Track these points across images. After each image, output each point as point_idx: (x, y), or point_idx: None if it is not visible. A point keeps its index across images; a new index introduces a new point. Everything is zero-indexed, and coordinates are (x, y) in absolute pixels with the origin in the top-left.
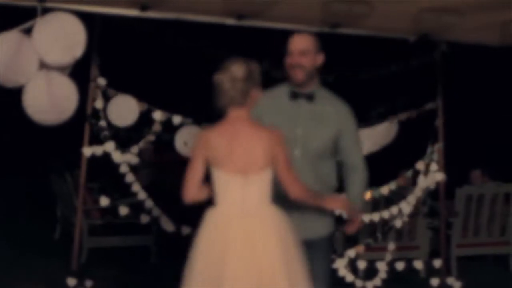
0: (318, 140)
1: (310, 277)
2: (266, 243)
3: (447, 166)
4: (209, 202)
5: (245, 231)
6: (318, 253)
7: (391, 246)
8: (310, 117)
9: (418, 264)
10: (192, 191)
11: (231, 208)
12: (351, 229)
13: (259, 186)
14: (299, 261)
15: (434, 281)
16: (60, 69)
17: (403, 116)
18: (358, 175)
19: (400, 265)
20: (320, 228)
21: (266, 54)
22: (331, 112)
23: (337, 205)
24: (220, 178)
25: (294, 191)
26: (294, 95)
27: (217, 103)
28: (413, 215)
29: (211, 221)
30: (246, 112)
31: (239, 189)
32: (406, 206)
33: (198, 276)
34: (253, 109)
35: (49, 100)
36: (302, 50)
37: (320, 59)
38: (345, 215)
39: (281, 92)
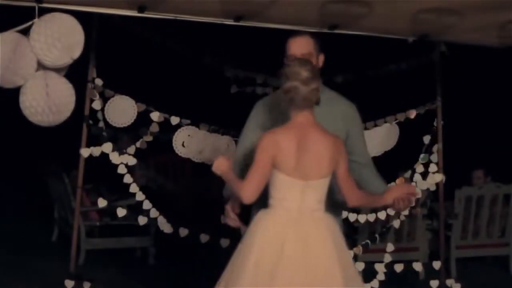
0: None
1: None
2: (321, 248)
3: (446, 167)
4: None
5: (300, 235)
6: None
7: (390, 247)
8: (319, 121)
9: (417, 266)
10: (255, 194)
11: (288, 212)
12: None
13: (317, 192)
14: (353, 267)
15: (434, 283)
16: (57, 70)
17: (401, 116)
18: (373, 169)
19: (399, 267)
20: None
21: (265, 56)
22: (337, 114)
23: (400, 191)
24: (281, 180)
25: (352, 199)
26: None
27: (288, 107)
28: (411, 216)
29: (267, 223)
30: (312, 115)
31: (298, 194)
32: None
33: (248, 277)
34: (256, 117)
35: (47, 101)
36: (304, 54)
37: (321, 60)
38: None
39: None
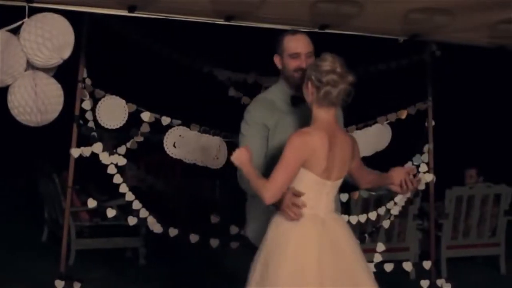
0: None
1: None
2: (350, 251)
3: (437, 167)
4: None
5: (330, 239)
6: None
7: (381, 247)
8: (301, 124)
9: (408, 266)
10: (278, 195)
11: (314, 214)
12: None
13: (335, 192)
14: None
15: (424, 283)
16: (46, 70)
17: (392, 116)
18: None
19: (389, 267)
20: None
21: (256, 56)
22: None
23: (403, 172)
24: (311, 181)
25: (363, 183)
26: (297, 100)
27: (319, 103)
28: (401, 216)
29: (298, 224)
30: (336, 113)
31: (324, 195)
32: (394, 207)
33: (290, 278)
34: (251, 119)
35: (35, 101)
36: (309, 52)
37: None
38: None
39: (277, 98)
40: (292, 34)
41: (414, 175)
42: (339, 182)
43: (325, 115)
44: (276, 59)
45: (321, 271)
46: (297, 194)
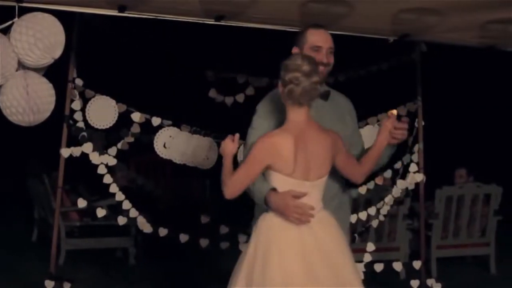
0: (345, 134)
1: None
2: (336, 246)
3: (427, 166)
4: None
5: (315, 238)
6: None
7: (370, 247)
8: (330, 118)
9: (398, 266)
10: (237, 193)
11: None
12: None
13: (319, 191)
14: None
15: (414, 283)
16: (37, 69)
17: (383, 117)
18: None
19: (379, 267)
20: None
21: (246, 56)
22: (345, 109)
23: (386, 129)
24: (289, 183)
25: (358, 177)
26: None
27: (287, 101)
28: (391, 216)
29: (280, 228)
30: (309, 113)
31: (304, 198)
32: (384, 207)
33: (276, 276)
34: (260, 113)
35: (27, 101)
36: (331, 47)
37: None
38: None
39: None
40: (315, 28)
41: (400, 118)
42: (321, 181)
43: (294, 115)
44: (295, 52)
45: (307, 272)
46: (297, 196)
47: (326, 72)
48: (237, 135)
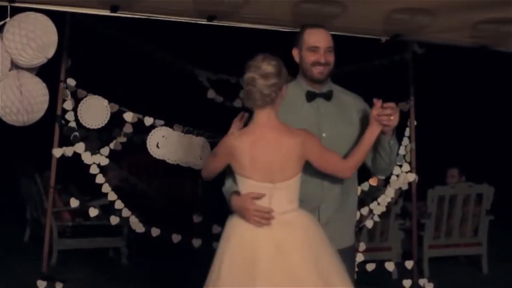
0: (345, 141)
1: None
2: (295, 254)
3: (419, 166)
4: (182, 203)
5: (273, 241)
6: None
7: (363, 247)
8: (332, 118)
9: (390, 266)
10: (205, 176)
11: None
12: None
13: (287, 194)
14: (332, 263)
15: (406, 283)
16: (29, 69)
17: None
18: None
19: (371, 266)
20: (347, 238)
21: (238, 56)
22: (352, 108)
23: (372, 117)
24: (248, 185)
25: (344, 172)
26: (312, 96)
27: (247, 104)
28: (384, 216)
29: (236, 228)
30: (275, 113)
31: (266, 198)
32: (377, 207)
33: (225, 282)
34: None
35: (22, 101)
36: (329, 47)
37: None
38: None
39: (293, 93)
40: (313, 28)
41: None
42: (286, 183)
43: (256, 117)
44: (294, 53)
45: (255, 274)
46: (256, 197)
47: (327, 71)
48: (246, 114)
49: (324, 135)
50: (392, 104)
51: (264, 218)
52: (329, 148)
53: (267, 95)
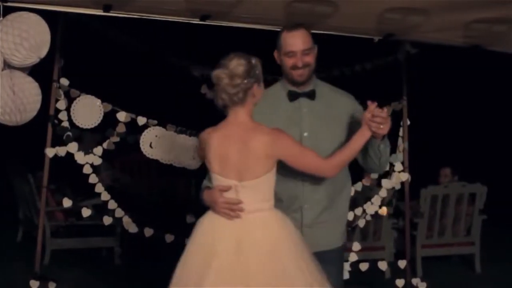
0: (329, 141)
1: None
2: (252, 253)
3: (412, 166)
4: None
5: (235, 238)
6: (330, 266)
7: (356, 246)
8: (315, 118)
9: (383, 265)
10: None
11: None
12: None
13: (256, 192)
14: (299, 267)
15: (399, 282)
16: (22, 69)
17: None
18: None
19: (364, 266)
20: (334, 239)
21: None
22: (341, 107)
23: (364, 119)
24: (216, 182)
25: (325, 171)
26: (294, 96)
27: (216, 102)
28: (377, 216)
29: (202, 225)
30: (247, 112)
31: (233, 194)
32: (370, 207)
33: (182, 277)
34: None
35: (14, 100)
36: (306, 49)
37: (316, 51)
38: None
39: (276, 93)
40: (289, 31)
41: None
42: (254, 182)
43: (230, 113)
44: (276, 55)
45: (208, 272)
46: (223, 190)
47: (307, 73)
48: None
49: (305, 134)
50: (383, 113)
51: (233, 210)
52: (310, 147)
53: (233, 94)
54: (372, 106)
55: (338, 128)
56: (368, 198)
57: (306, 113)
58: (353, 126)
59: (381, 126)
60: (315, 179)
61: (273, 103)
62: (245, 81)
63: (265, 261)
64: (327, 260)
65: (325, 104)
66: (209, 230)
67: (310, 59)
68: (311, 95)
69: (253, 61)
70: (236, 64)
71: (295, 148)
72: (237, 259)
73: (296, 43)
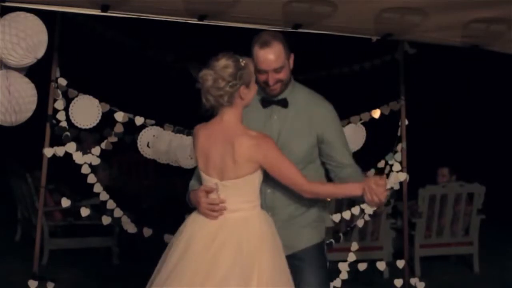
0: (297, 149)
1: None
2: (222, 253)
3: (410, 165)
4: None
5: (209, 237)
6: (305, 265)
7: (354, 246)
8: (286, 126)
9: (381, 265)
10: None
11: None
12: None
13: (234, 192)
14: (273, 262)
15: (398, 282)
16: (19, 69)
17: (366, 116)
18: (354, 168)
19: (363, 266)
20: (306, 238)
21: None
22: (308, 116)
23: (368, 182)
24: (201, 177)
25: (302, 192)
26: (267, 103)
27: (204, 103)
28: (375, 215)
29: (185, 224)
30: (235, 114)
31: (214, 194)
32: (369, 206)
33: (159, 273)
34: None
35: (10, 100)
36: (276, 68)
37: (292, 60)
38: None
39: (254, 98)
40: (260, 47)
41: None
42: (239, 182)
43: (218, 113)
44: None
45: (173, 269)
46: (208, 191)
47: (280, 86)
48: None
49: (275, 140)
50: (381, 197)
51: (215, 210)
52: None
53: (218, 97)
54: (380, 180)
55: (306, 138)
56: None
57: (276, 120)
58: (321, 136)
59: (376, 199)
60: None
61: (248, 111)
62: (230, 84)
63: (235, 259)
64: (304, 259)
65: (297, 112)
66: (189, 228)
67: (283, 75)
68: (283, 104)
69: (242, 63)
70: (223, 66)
71: (277, 158)
72: (207, 256)
73: (267, 62)
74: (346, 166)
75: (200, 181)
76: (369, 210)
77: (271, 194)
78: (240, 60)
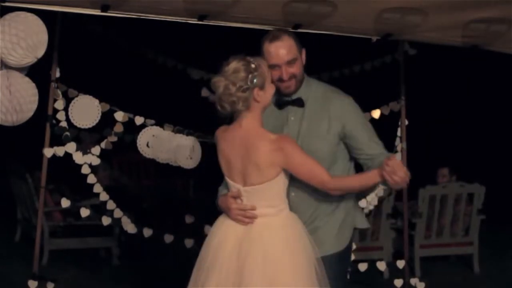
0: (321, 147)
1: None
2: (251, 253)
3: (410, 166)
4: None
5: (237, 240)
6: (328, 272)
7: (354, 246)
8: (303, 126)
9: (381, 265)
10: None
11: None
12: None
13: (258, 197)
14: (296, 268)
15: (398, 282)
16: (19, 69)
17: (366, 116)
18: (382, 158)
19: (363, 266)
20: (328, 245)
21: (230, 54)
22: (326, 113)
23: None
24: (227, 183)
25: (327, 189)
26: (282, 104)
27: (219, 111)
28: (375, 215)
29: (213, 229)
30: (254, 117)
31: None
32: (367, 206)
33: (195, 278)
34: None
35: (11, 100)
36: (289, 60)
37: (304, 55)
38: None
39: (272, 99)
40: (270, 41)
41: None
42: (263, 187)
43: (236, 119)
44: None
45: (207, 275)
46: (234, 196)
47: (295, 82)
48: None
49: (297, 141)
50: (401, 174)
51: (247, 216)
52: None
53: (232, 103)
54: (392, 162)
55: (329, 135)
56: (363, 197)
57: (293, 122)
58: (344, 131)
59: (396, 178)
60: (305, 188)
61: (264, 114)
62: (242, 89)
63: (260, 264)
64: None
65: (314, 111)
66: (216, 233)
67: (296, 69)
68: (299, 103)
69: (253, 65)
70: (233, 70)
71: (300, 157)
72: (235, 261)
73: (279, 55)
74: (377, 156)
75: (227, 186)
76: (367, 209)
77: (294, 197)
78: (252, 61)
